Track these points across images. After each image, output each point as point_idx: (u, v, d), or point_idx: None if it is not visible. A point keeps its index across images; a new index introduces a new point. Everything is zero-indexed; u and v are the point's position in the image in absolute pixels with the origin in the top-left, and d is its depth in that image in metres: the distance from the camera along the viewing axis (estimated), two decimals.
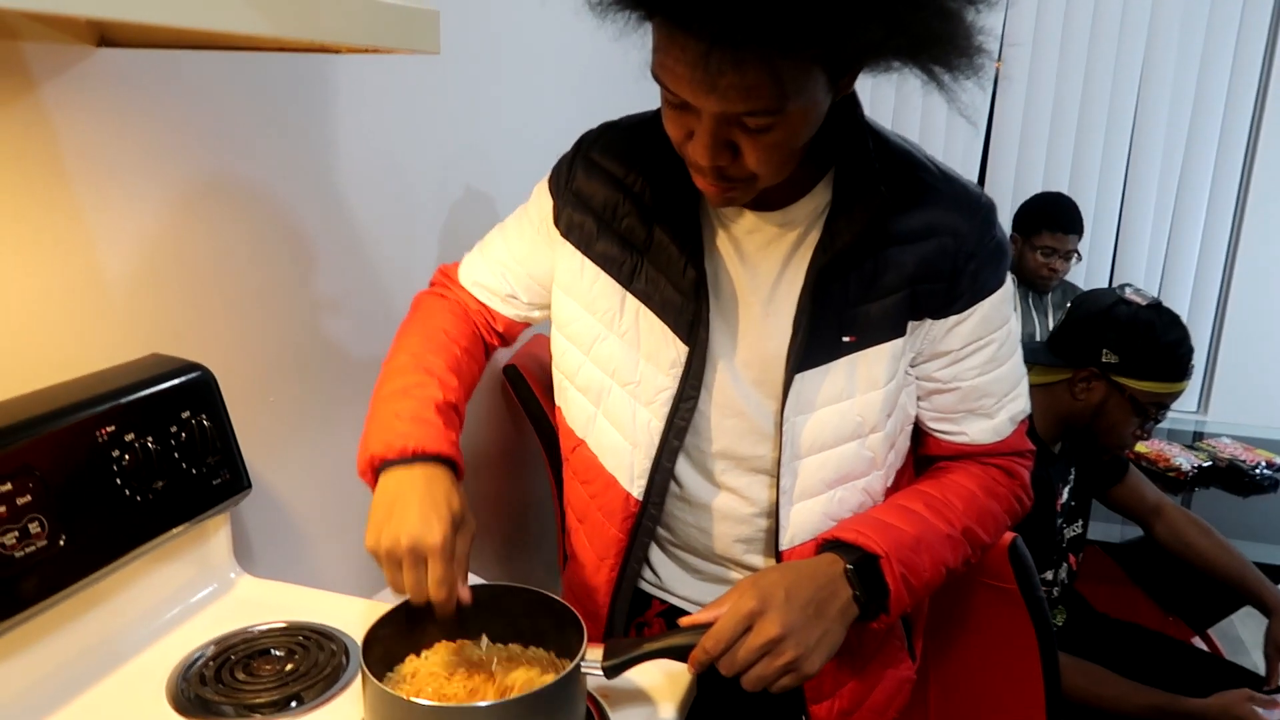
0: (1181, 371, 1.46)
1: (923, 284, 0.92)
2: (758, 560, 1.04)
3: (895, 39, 0.71)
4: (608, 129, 1.04)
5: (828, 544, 0.92)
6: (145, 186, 1.03)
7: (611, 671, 0.83)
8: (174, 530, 0.97)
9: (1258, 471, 2.13)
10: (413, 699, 0.78)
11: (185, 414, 1.00)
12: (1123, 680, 1.45)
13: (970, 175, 3.04)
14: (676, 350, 0.96)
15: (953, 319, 0.94)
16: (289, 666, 0.93)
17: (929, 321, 0.94)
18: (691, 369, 0.95)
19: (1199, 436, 2.39)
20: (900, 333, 0.93)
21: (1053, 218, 2.53)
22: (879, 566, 0.88)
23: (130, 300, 1.04)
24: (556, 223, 1.03)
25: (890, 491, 1.01)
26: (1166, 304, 1.52)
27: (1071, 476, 1.64)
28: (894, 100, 3.06)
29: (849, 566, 0.87)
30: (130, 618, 0.96)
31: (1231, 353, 2.97)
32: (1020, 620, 1.29)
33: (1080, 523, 1.70)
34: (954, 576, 0.96)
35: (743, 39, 0.68)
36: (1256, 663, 1.70)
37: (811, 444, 0.95)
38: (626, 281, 0.98)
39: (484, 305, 1.10)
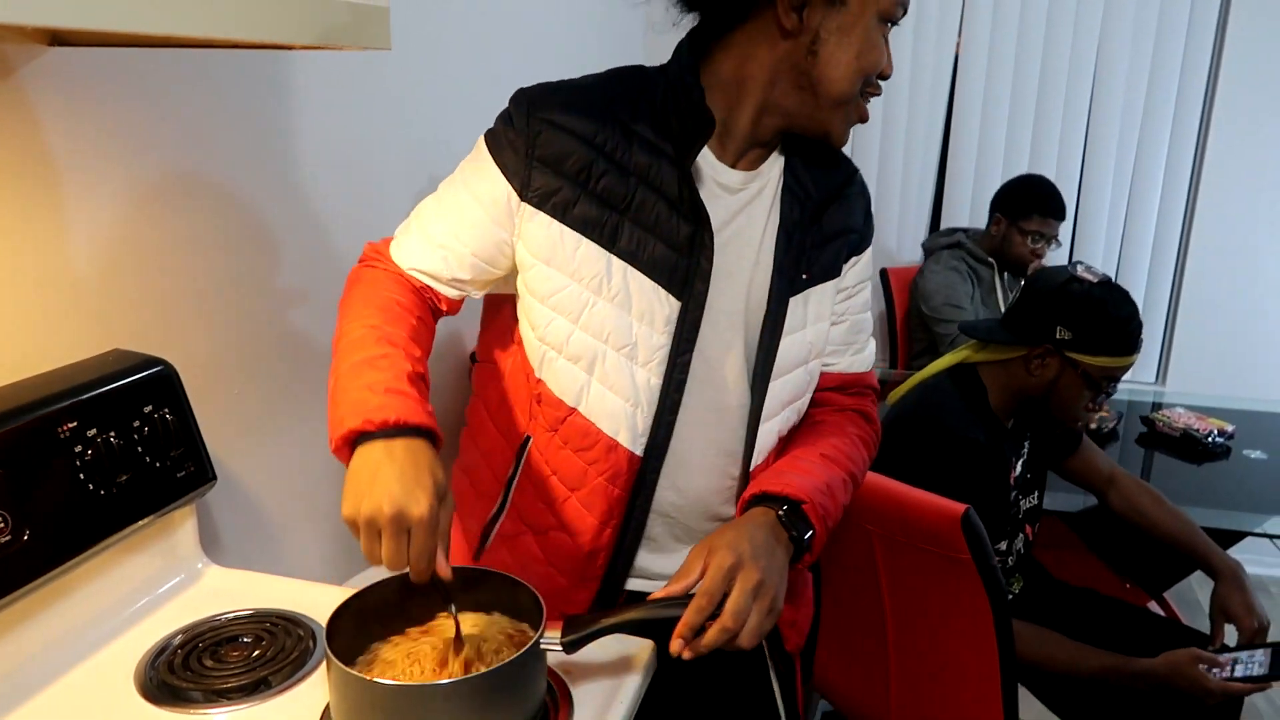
0: (1132, 345, 1.51)
1: (852, 233, 1.10)
2: (725, 508, 1.10)
3: None
4: (554, 88, 1.01)
5: (755, 498, 0.99)
6: (105, 183, 1.04)
7: (570, 647, 0.86)
8: (139, 523, 0.98)
9: (1210, 439, 2.19)
10: (374, 679, 0.80)
11: (148, 408, 1.01)
12: (1075, 644, 1.50)
13: (931, 157, 3.09)
14: (669, 307, 1.00)
15: (853, 259, 1.12)
16: (256, 652, 0.95)
17: (845, 263, 1.11)
18: (685, 322, 1.00)
19: (1157, 407, 2.45)
20: (838, 274, 1.10)
21: (1044, 203, 2.52)
22: (803, 511, 0.97)
23: (92, 297, 1.05)
24: (524, 195, 0.98)
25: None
26: (1123, 280, 1.56)
27: (1025, 450, 1.68)
28: None
29: (780, 513, 0.96)
30: (98, 609, 0.98)
31: (1188, 326, 3.03)
32: (974, 588, 1.33)
33: (1036, 494, 1.75)
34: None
35: None
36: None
37: (780, 367, 1.06)
38: (609, 244, 0.98)
39: (426, 286, 1.03)
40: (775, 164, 1.06)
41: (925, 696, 1.51)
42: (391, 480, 0.79)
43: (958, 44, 3.00)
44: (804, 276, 1.06)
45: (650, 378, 1.01)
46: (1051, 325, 1.50)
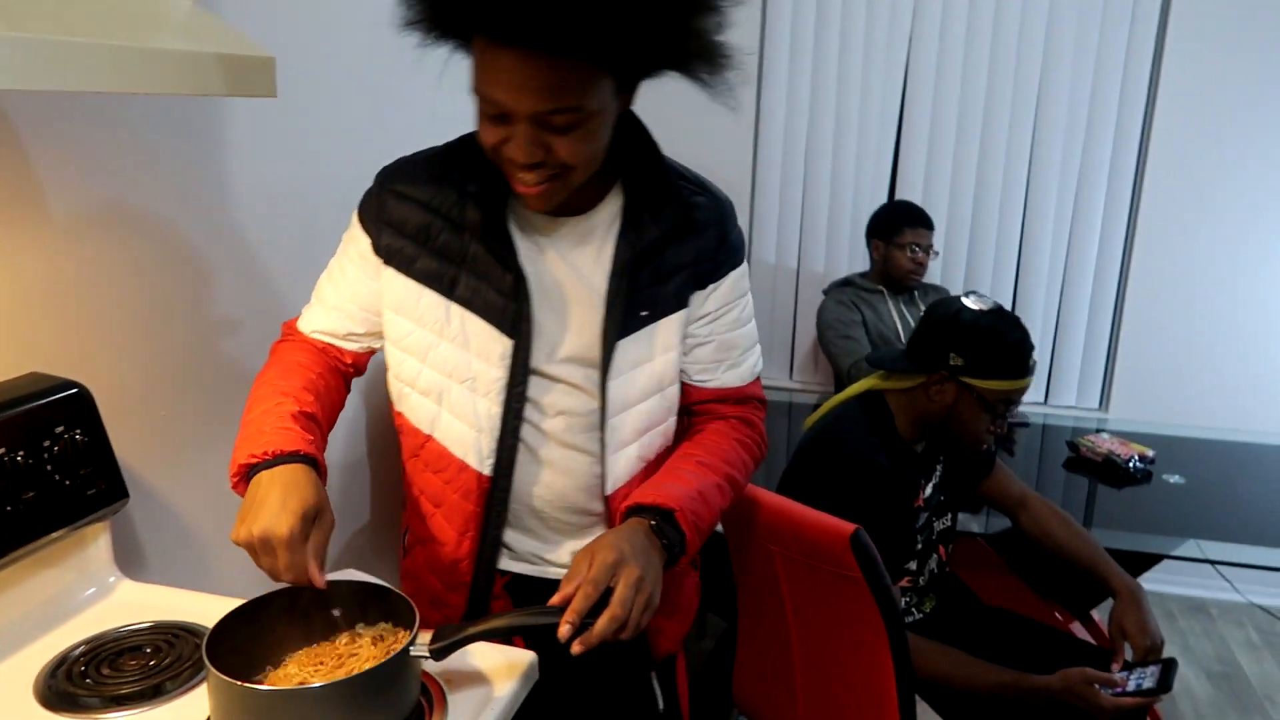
0: (1023, 369, 1.57)
1: (697, 265, 1.16)
2: (597, 505, 1.20)
3: (664, 56, 0.96)
4: (405, 163, 1.17)
5: (630, 510, 1.08)
6: (27, 215, 1.10)
7: (439, 653, 0.92)
8: (45, 539, 1.03)
9: (1131, 464, 2.26)
10: (245, 685, 0.86)
11: (59, 429, 1.06)
12: (976, 661, 1.56)
13: (881, 185, 3.17)
14: (503, 345, 1.11)
15: (710, 286, 1.18)
16: (154, 661, 1.01)
17: (697, 293, 1.18)
18: (518, 358, 1.11)
19: (1080, 433, 2.52)
20: (683, 305, 1.16)
21: (913, 216, 2.76)
22: (675, 519, 1.05)
23: (13, 323, 1.10)
24: (377, 252, 1.15)
25: (675, 433, 1.23)
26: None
27: (938, 473, 1.75)
28: (832, 107, 3.17)
29: (652, 523, 1.05)
30: (5, 622, 1.03)
31: (1129, 354, 3.11)
32: (868, 605, 1.40)
33: (950, 516, 1.81)
34: (723, 514, 1.18)
35: (551, 48, 0.88)
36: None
37: (626, 401, 1.15)
38: (449, 292, 1.12)
39: (329, 345, 1.21)
40: (608, 206, 1.13)
41: (829, 709, 1.57)
42: (263, 506, 0.92)
43: (904, 82, 3.10)
44: (643, 314, 1.13)
45: (491, 407, 1.13)
46: (945, 352, 1.58)
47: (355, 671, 0.92)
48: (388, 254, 1.14)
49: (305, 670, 0.95)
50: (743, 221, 3.30)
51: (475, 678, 1.00)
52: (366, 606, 1.00)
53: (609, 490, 1.17)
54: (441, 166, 1.14)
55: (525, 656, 1.04)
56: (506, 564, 1.24)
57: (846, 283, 2.90)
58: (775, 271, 3.34)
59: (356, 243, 1.17)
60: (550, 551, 1.23)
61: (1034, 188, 3.08)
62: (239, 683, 0.85)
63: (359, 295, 1.18)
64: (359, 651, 0.96)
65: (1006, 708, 1.56)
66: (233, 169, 1.42)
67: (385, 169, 1.17)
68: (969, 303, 1.58)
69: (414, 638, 0.91)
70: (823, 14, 3.07)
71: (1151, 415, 3.05)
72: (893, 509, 1.55)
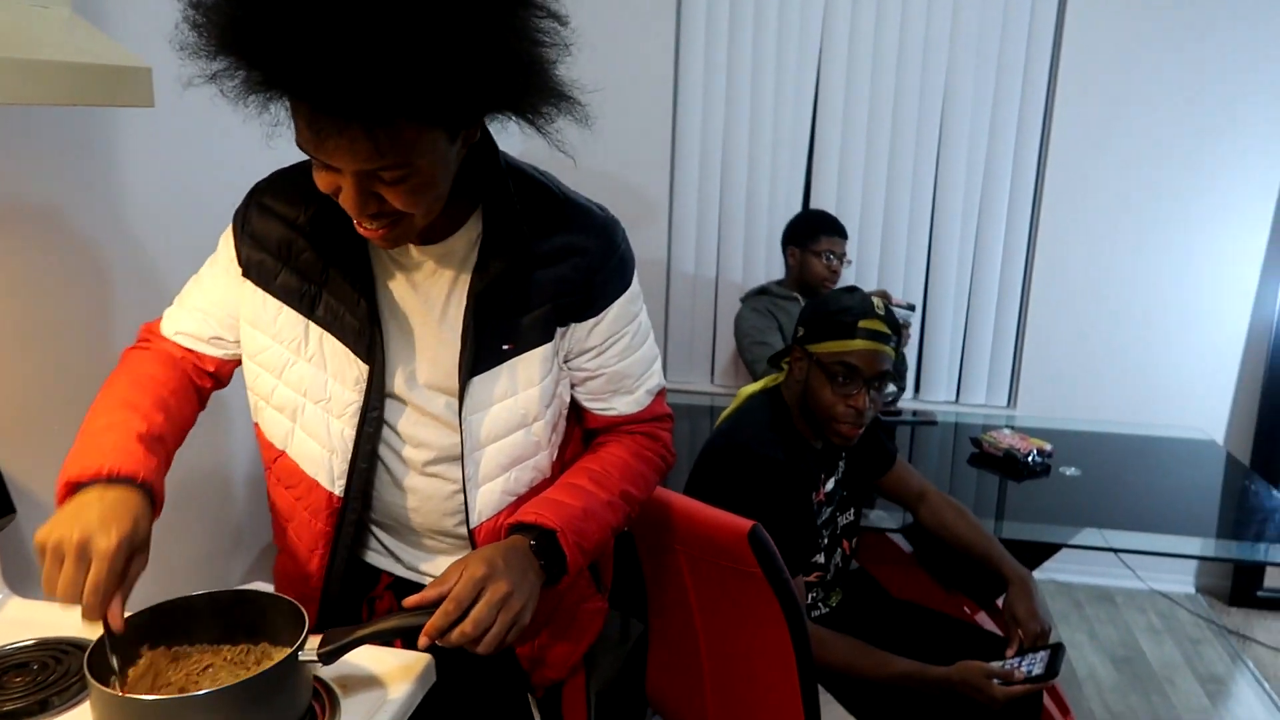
0: (848, 330, 1.62)
1: (562, 298, 1.10)
2: (463, 530, 1.17)
3: (490, 104, 0.91)
4: (278, 176, 1.15)
5: (513, 527, 1.07)
6: None
7: (327, 657, 0.93)
8: None
9: (1030, 458, 2.36)
10: (128, 695, 0.85)
11: None
12: (878, 652, 1.61)
13: (795, 195, 3.25)
14: (359, 369, 1.09)
15: (590, 321, 1.13)
16: (40, 677, 0.99)
17: (573, 325, 1.13)
18: (373, 384, 1.09)
19: (986, 429, 2.62)
20: (549, 338, 1.11)
21: (828, 225, 2.85)
22: (557, 540, 1.04)
23: None
24: (239, 264, 1.13)
25: (558, 464, 1.19)
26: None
27: (840, 469, 1.81)
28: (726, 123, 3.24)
29: (532, 543, 1.03)
30: None
31: (1034, 353, 3.24)
32: (768, 600, 1.44)
33: (853, 511, 1.87)
34: (619, 531, 1.16)
35: (367, 118, 0.83)
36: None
37: (486, 436, 1.11)
38: (308, 311, 1.09)
39: (189, 351, 1.17)
40: (465, 235, 1.09)
41: (736, 703, 1.61)
42: (91, 515, 0.87)
43: (815, 88, 3.18)
44: (505, 347, 1.09)
45: (345, 429, 1.11)
46: (798, 330, 1.67)
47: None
48: (248, 267, 1.12)
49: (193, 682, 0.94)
50: (660, 232, 3.37)
51: (370, 681, 1.01)
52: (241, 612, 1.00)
53: (473, 524, 1.14)
54: (310, 181, 1.06)
55: (421, 659, 1.05)
56: (389, 565, 1.24)
57: (762, 291, 2.97)
58: (694, 281, 3.39)
59: (226, 249, 1.15)
60: (426, 562, 1.23)
61: (940, 197, 3.20)
62: (120, 693, 0.85)
63: (226, 301, 1.15)
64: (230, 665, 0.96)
65: (908, 698, 1.61)
66: (128, 176, 1.40)
67: (260, 182, 1.16)
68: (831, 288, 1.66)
69: (302, 642, 0.91)
70: (735, 26, 3.14)
71: (1055, 411, 3.19)
72: (792, 503, 1.60)
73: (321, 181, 0.94)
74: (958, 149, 3.13)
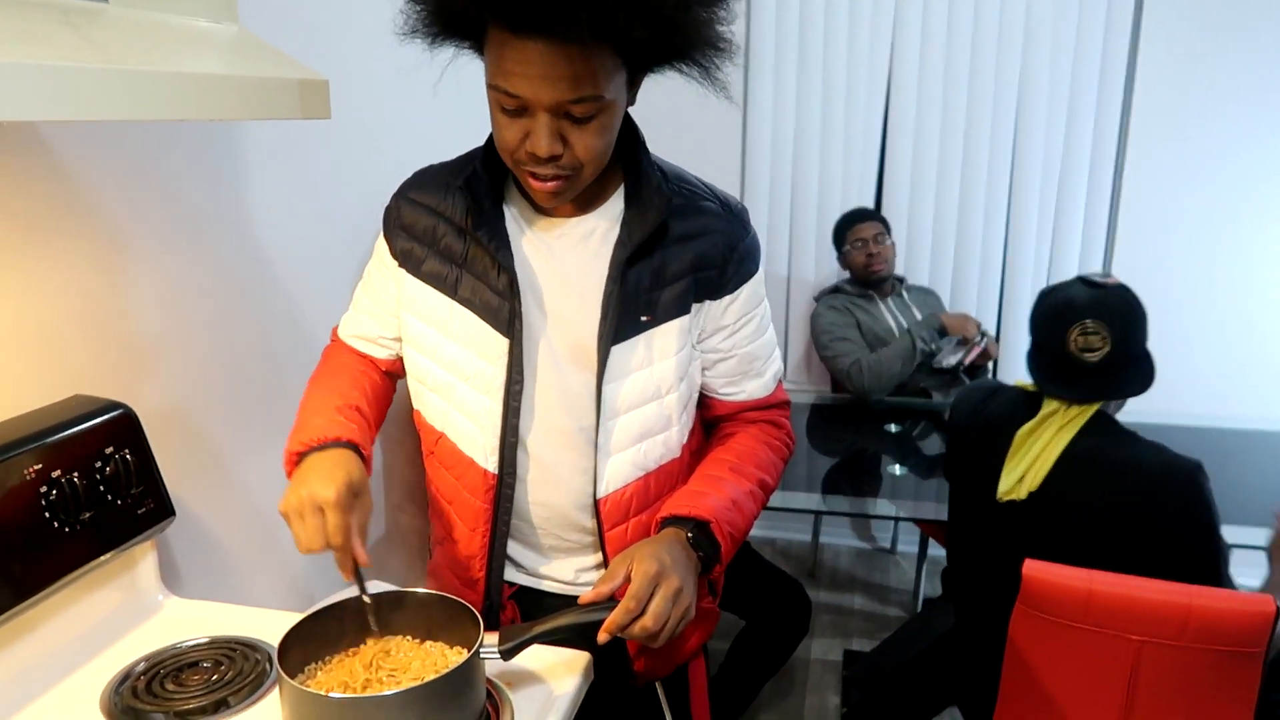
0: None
1: (700, 272, 1.14)
2: (587, 518, 1.20)
3: (677, 43, 0.98)
4: (421, 173, 1.23)
5: (666, 520, 1.10)
6: (62, 237, 1.11)
7: (507, 654, 0.94)
8: (102, 558, 1.04)
9: None
10: (327, 694, 0.87)
11: (109, 449, 1.07)
12: None
13: (867, 193, 3.23)
14: (498, 344, 1.13)
15: (726, 299, 1.17)
16: (215, 676, 1.02)
17: (708, 303, 1.17)
18: (514, 357, 1.13)
19: None
20: (685, 311, 1.15)
21: (851, 217, 2.97)
22: (711, 530, 1.08)
23: (56, 346, 1.11)
24: (394, 256, 1.20)
25: (687, 447, 1.22)
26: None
27: None
28: (806, 121, 3.23)
29: (689, 535, 1.07)
30: (64, 640, 1.04)
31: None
32: (1251, 684, 1.36)
33: None
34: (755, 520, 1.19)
35: (574, 37, 0.90)
36: None
37: (622, 405, 1.15)
38: (452, 292, 1.15)
39: (364, 354, 1.27)
40: (608, 209, 1.14)
41: None
42: (312, 476, 0.99)
43: (887, 90, 3.16)
44: (644, 319, 1.13)
45: (491, 404, 1.15)
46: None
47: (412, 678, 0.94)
48: (402, 257, 1.19)
49: (343, 685, 0.95)
50: None
51: (535, 678, 1.02)
52: (415, 615, 1.02)
53: (600, 494, 1.16)
54: (450, 174, 1.18)
55: (582, 656, 1.06)
56: (511, 575, 1.26)
57: (836, 289, 3.02)
58: (766, 280, 3.37)
59: (381, 248, 1.23)
60: (546, 565, 1.25)
61: (1017, 190, 3.15)
62: (316, 692, 0.86)
63: (385, 298, 1.23)
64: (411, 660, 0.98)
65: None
66: (257, 188, 1.43)
67: (407, 180, 1.23)
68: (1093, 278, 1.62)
69: (481, 639, 0.93)
70: (805, 25, 3.13)
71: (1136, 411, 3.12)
72: None
73: (508, 130, 1.00)
74: (1033, 148, 3.09)
